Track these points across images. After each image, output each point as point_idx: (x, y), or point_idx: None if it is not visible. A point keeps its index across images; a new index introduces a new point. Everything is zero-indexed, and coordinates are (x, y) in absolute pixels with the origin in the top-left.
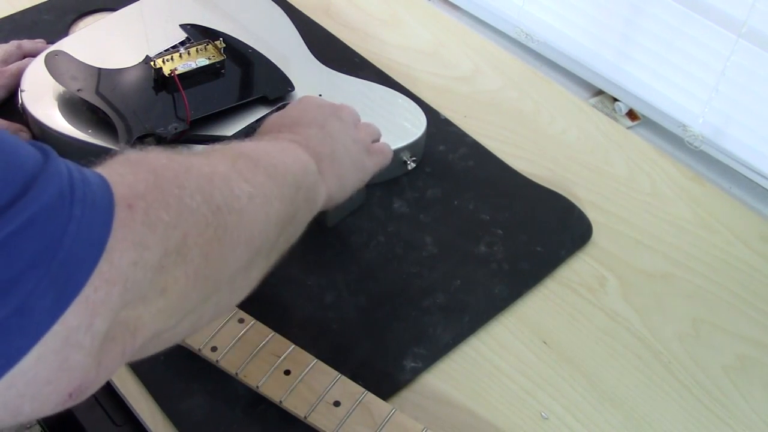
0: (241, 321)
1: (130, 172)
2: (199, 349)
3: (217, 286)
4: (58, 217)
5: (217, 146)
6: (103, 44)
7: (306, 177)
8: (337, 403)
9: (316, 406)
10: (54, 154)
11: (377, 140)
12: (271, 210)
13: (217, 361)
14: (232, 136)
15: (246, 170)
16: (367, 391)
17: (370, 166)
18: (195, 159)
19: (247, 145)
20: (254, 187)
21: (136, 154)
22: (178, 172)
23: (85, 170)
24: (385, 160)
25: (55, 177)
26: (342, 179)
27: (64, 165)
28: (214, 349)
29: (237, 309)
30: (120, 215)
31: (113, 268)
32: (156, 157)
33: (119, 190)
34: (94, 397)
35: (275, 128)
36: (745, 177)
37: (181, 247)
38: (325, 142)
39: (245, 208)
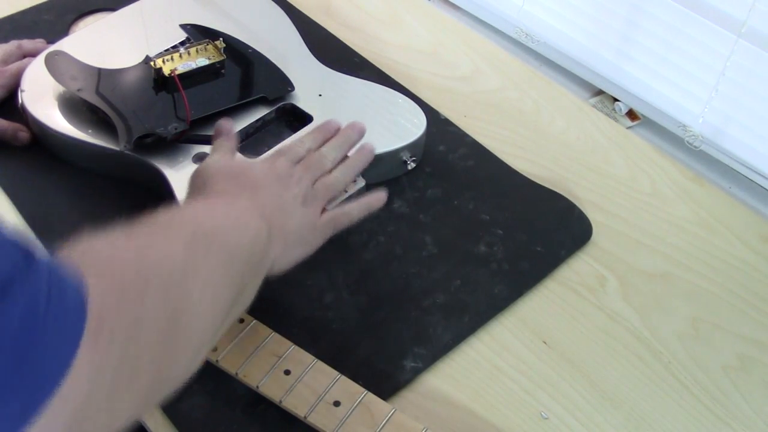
0: (241, 321)
1: (98, 283)
2: None
3: (161, 390)
4: (32, 327)
5: (176, 216)
6: (103, 44)
7: (257, 245)
8: (337, 403)
9: (316, 406)
10: (35, 257)
11: (332, 197)
12: (221, 299)
13: (217, 360)
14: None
15: (200, 255)
16: (367, 391)
17: (315, 241)
18: (155, 241)
19: (203, 217)
20: (206, 276)
21: (104, 247)
22: (140, 272)
23: (63, 272)
24: (336, 228)
25: (34, 285)
26: (286, 253)
27: (45, 269)
28: (213, 348)
29: None
30: (88, 333)
31: (74, 385)
32: (121, 252)
33: (91, 306)
34: None
35: (231, 185)
36: (745, 177)
37: (136, 365)
38: (278, 214)
39: (197, 304)
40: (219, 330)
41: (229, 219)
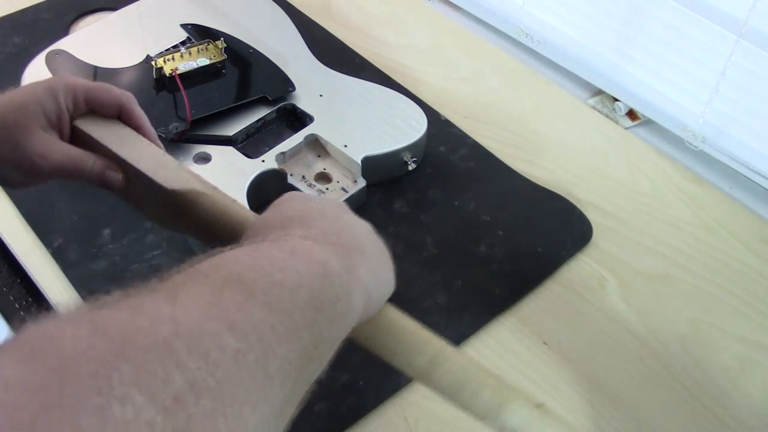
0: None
1: (20, 370)
2: None
3: None
4: None
5: (201, 264)
6: (103, 44)
7: (328, 284)
8: None
9: None
10: None
11: None
12: (273, 361)
13: None
14: (232, 136)
15: (233, 307)
16: None
17: (382, 245)
18: (151, 305)
19: (241, 259)
20: (244, 335)
21: (43, 328)
22: (104, 356)
23: None
24: None
25: None
26: (377, 274)
27: None
28: None
29: None
30: None
31: None
32: (73, 331)
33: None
34: None
35: (277, 224)
36: (746, 177)
37: None
38: (346, 233)
39: (228, 377)
40: (284, 407)
41: (280, 252)
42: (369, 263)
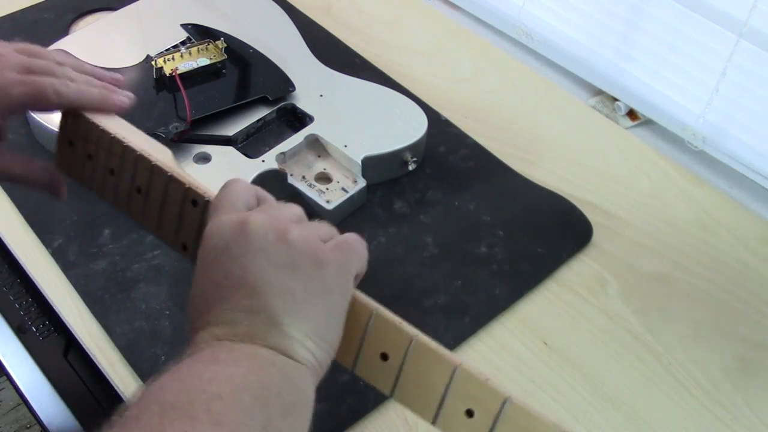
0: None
1: None
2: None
3: None
4: None
5: (131, 408)
6: (103, 44)
7: (265, 376)
8: None
9: None
10: None
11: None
12: None
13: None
14: (232, 136)
15: None
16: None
17: (339, 271)
18: None
19: (165, 386)
20: None
21: None
22: None
23: None
24: (358, 251)
25: None
26: (315, 322)
27: None
28: (184, 248)
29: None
30: None
31: None
32: None
33: None
34: (96, 400)
35: (198, 321)
36: (746, 177)
37: None
38: (266, 289)
39: None
40: None
41: (203, 368)
42: (301, 315)
